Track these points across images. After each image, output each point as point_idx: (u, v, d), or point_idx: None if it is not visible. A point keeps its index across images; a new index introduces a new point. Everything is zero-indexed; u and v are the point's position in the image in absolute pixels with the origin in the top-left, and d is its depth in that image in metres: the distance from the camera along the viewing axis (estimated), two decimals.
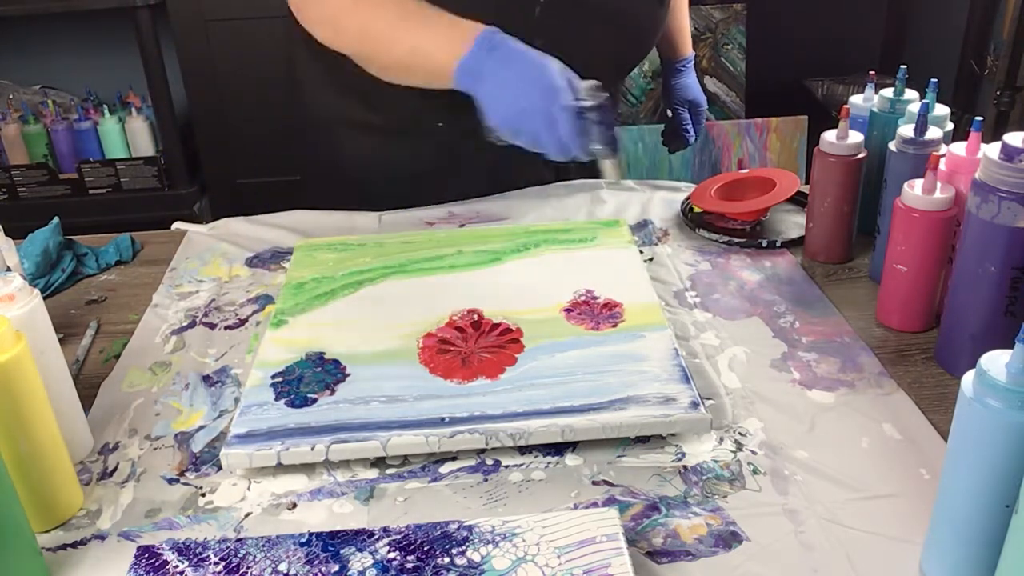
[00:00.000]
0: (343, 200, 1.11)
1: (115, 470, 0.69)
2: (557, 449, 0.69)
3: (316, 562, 0.56)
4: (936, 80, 0.86)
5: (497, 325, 0.81)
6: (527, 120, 0.82)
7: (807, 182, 0.97)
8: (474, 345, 0.78)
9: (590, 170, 1.15)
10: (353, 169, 1.12)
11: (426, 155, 1.08)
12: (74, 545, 0.62)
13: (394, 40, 0.90)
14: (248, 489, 0.66)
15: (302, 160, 1.21)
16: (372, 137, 1.08)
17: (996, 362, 0.50)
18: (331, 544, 0.58)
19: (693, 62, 1.29)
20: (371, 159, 1.10)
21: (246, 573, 0.56)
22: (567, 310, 0.83)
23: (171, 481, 0.68)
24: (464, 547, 0.57)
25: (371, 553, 0.57)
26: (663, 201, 1.10)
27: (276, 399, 0.72)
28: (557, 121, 0.80)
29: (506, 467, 0.68)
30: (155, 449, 0.71)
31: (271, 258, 1.01)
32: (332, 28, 0.95)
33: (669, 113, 1.30)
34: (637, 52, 1.09)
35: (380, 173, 1.10)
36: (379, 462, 0.68)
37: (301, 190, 1.21)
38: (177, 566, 0.57)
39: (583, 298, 0.85)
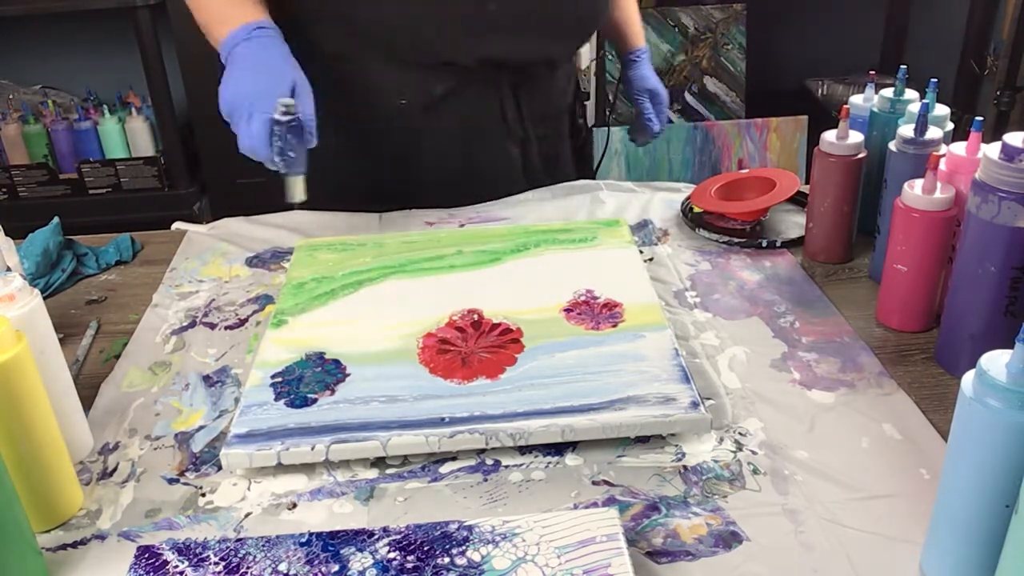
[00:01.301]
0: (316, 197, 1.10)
1: (115, 470, 0.69)
2: (557, 449, 0.69)
3: (316, 562, 0.56)
4: (936, 80, 0.86)
5: (497, 325, 0.81)
6: (235, 108, 0.87)
7: (807, 182, 0.97)
8: (474, 345, 0.78)
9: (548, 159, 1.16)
10: (321, 160, 1.12)
11: (390, 142, 1.08)
12: (74, 545, 0.62)
13: (207, 5, 0.95)
14: (248, 489, 0.66)
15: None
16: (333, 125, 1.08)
17: (996, 362, 0.50)
18: (331, 544, 0.58)
19: (648, 55, 1.28)
20: (336, 149, 1.09)
21: (246, 573, 0.56)
22: (567, 310, 0.83)
23: (171, 481, 0.68)
24: (464, 547, 0.57)
25: (371, 553, 0.57)
26: (663, 201, 1.10)
27: (276, 399, 0.72)
28: (253, 121, 0.85)
29: (506, 467, 0.68)
30: (155, 449, 0.71)
31: (271, 258, 1.01)
32: None
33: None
34: (592, 16, 1.09)
35: (347, 165, 1.10)
36: (379, 462, 0.68)
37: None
38: (177, 566, 0.57)
39: (583, 298, 0.85)
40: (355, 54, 1.03)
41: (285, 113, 0.85)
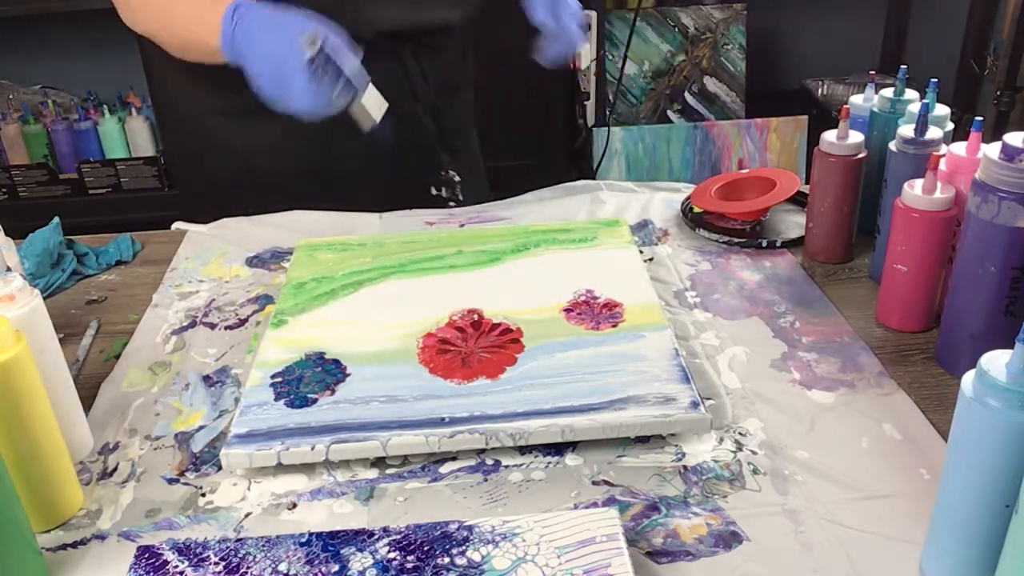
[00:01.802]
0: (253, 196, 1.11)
1: (115, 470, 0.69)
2: (557, 449, 0.69)
3: (316, 562, 0.56)
4: (936, 80, 0.86)
5: (497, 325, 0.81)
6: (278, 80, 0.83)
7: (807, 182, 0.97)
8: (474, 345, 0.78)
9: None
10: (248, 159, 1.12)
11: (309, 128, 1.05)
12: (74, 545, 0.62)
13: (175, 22, 0.93)
14: (248, 489, 0.67)
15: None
16: (242, 122, 1.08)
17: (996, 362, 0.50)
18: (331, 544, 0.58)
19: None
20: (249, 146, 1.10)
21: (246, 573, 0.56)
22: (567, 310, 0.83)
23: (171, 481, 0.68)
24: (464, 547, 0.57)
25: (371, 553, 0.57)
26: (663, 201, 1.10)
27: (276, 399, 0.72)
28: (293, 81, 0.81)
29: (506, 467, 0.68)
30: (155, 449, 0.71)
31: (271, 258, 1.01)
32: (128, 8, 0.97)
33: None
34: None
35: (271, 159, 1.10)
36: (379, 462, 0.68)
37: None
38: (177, 566, 0.57)
39: (583, 298, 0.85)
40: None
41: (312, 44, 0.79)
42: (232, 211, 1.10)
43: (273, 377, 0.75)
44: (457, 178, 1.17)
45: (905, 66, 0.92)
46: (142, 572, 0.56)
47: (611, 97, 2.18)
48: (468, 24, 1.16)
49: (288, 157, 1.10)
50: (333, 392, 0.73)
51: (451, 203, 1.18)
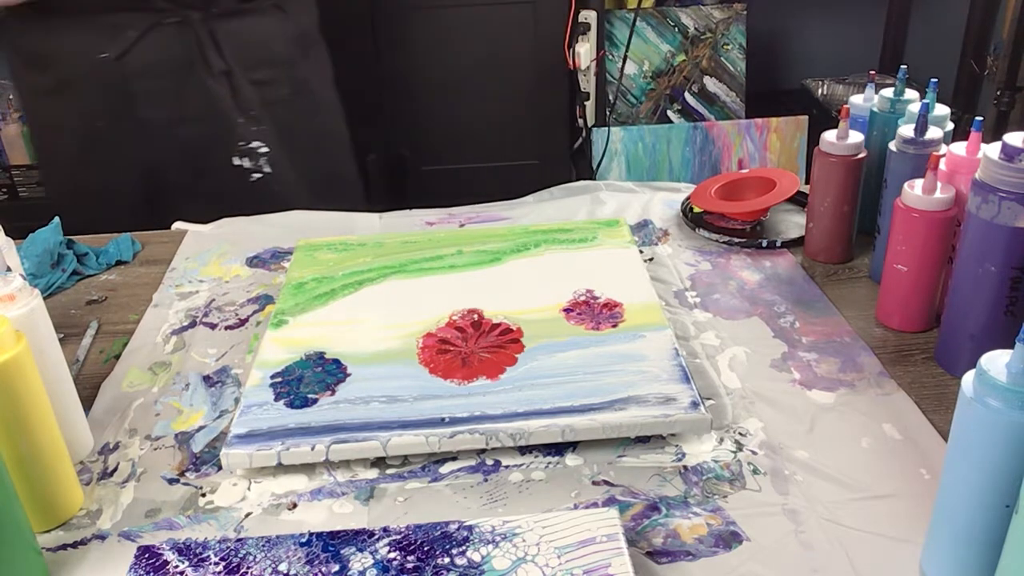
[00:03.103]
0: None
1: (115, 470, 0.69)
2: (557, 449, 0.69)
3: (316, 562, 0.56)
4: (936, 80, 0.86)
5: (497, 325, 0.81)
6: None
7: (807, 182, 0.97)
8: (474, 345, 0.78)
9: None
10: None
11: (108, 98, 1.13)
12: (74, 545, 0.62)
13: None
14: (248, 489, 0.67)
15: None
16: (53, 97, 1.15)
17: (996, 362, 0.50)
18: (331, 544, 0.58)
19: None
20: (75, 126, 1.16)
21: (246, 573, 0.56)
22: (567, 310, 0.83)
23: (171, 481, 0.68)
24: (464, 547, 0.57)
25: (371, 553, 0.57)
26: (663, 201, 1.10)
27: (276, 399, 0.72)
28: None
29: (506, 467, 0.68)
30: (155, 449, 0.71)
31: (271, 258, 1.01)
32: None
33: None
34: None
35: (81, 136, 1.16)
36: (379, 462, 0.68)
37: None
38: (177, 566, 0.57)
39: (583, 298, 0.85)
40: (46, 21, 1.09)
41: None
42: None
43: (273, 377, 0.75)
44: (264, 149, 1.18)
45: (905, 66, 0.92)
46: (142, 572, 0.56)
47: (611, 97, 2.18)
48: None
49: (104, 134, 1.14)
50: (333, 392, 0.73)
51: (255, 174, 1.19)
